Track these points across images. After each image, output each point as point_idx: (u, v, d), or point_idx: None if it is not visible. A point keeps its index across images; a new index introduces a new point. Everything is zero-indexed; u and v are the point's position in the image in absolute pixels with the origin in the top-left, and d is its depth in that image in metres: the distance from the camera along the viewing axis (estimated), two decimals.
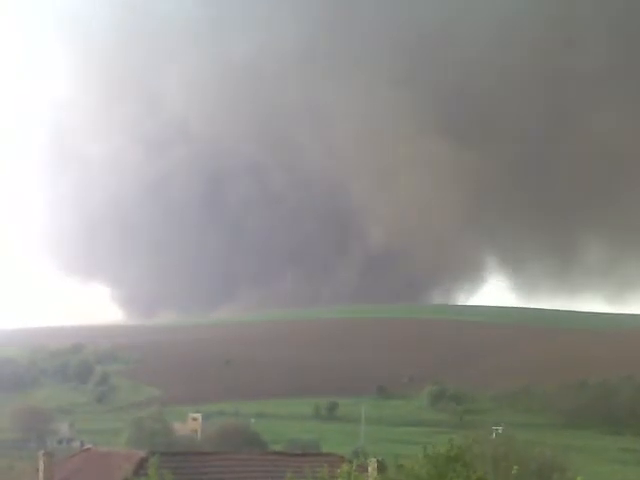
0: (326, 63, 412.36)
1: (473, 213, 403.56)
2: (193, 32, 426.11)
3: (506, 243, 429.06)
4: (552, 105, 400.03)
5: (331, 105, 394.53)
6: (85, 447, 69.21)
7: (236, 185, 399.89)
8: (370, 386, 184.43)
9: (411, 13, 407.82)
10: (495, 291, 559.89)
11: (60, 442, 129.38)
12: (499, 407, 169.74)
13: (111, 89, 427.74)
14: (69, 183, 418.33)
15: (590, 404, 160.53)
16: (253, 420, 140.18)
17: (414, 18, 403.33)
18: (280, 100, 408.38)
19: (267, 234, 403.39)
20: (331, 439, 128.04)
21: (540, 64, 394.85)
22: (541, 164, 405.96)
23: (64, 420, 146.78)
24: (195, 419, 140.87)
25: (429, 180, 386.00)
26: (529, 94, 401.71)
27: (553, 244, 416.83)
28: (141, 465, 44.40)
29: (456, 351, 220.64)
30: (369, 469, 43.60)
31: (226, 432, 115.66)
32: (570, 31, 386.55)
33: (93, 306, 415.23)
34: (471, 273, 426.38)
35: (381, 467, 44.28)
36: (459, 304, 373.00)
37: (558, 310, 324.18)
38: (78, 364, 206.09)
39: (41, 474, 48.45)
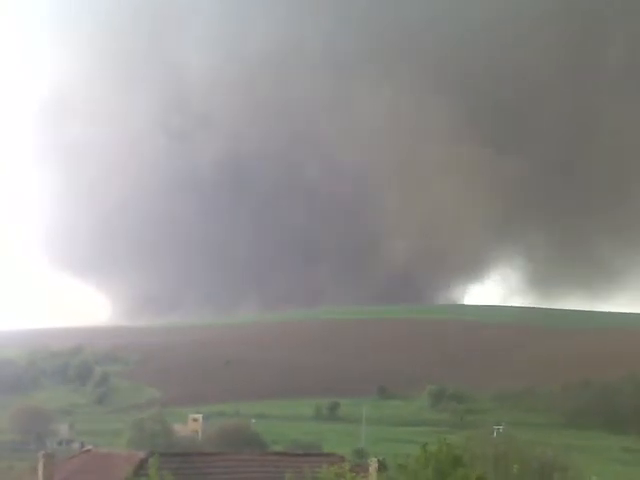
0: (359, 65, 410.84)
1: (497, 214, 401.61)
2: (218, 20, 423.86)
3: (516, 242, 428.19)
4: (584, 108, 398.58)
5: (363, 107, 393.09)
6: (85, 448, 68.92)
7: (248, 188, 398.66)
8: (371, 386, 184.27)
9: (444, 17, 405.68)
10: (497, 291, 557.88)
11: (60, 443, 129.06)
12: (500, 407, 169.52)
13: (130, 81, 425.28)
14: (73, 182, 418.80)
15: (592, 404, 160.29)
16: (254, 421, 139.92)
17: (447, 22, 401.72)
18: (311, 99, 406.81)
19: (277, 236, 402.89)
20: (332, 439, 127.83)
21: (572, 67, 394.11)
22: (573, 167, 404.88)
23: (64, 421, 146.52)
24: (196, 420, 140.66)
25: (461, 184, 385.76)
26: (561, 98, 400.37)
27: (567, 245, 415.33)
28: (141, 466, 44.22)
29: (457, 351, 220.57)
30: (370, 469, 43.57)
31: (227, 433, 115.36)
32: (604, 31, 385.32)
33: (93, 307, 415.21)
34: (474, 272, 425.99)
35: (382, 467, 44.22)
36: (460, 304, 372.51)
37: (560, 310, 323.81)
38: (78, 365, 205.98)
39: (41, 475, 48.31)
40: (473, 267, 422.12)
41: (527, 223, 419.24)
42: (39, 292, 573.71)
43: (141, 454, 47.42)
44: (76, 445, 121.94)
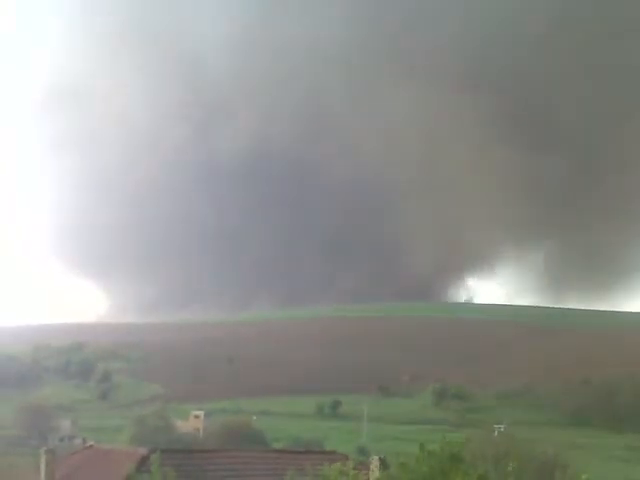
0: (382, 62, 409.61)
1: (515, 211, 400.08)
2: (240, 16, 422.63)
3: (529, 241, 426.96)
4: (614, 108, 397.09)
5: (387, 104, 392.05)
6: (87, 444, 69.06)
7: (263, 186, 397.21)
8: (373, 384, 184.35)
9: (475, 13, 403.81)
10: (503, 290, 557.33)
11: (62, 439, 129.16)
12: (502, 405, 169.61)
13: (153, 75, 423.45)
14: (82, 177, 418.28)
15: (593, 402, 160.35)
16: (255, 418, 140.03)
17: (478, 19, 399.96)
18: (333, 97, 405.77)
19: (291, 234, 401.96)
20: (334, 437, 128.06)
21: (606, 67, 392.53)
22: (601, 170, 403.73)
23: (66, 417, 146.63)
24: (197, 417, 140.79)
25: (478, 182, 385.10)
26: (591, 98, 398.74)
27: (581, 245, 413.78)
28: (143, 462, 44.37)
29: (459, 349, 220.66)
30: (371, 467, 43.68)
31: (228, 430, 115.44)
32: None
33: (96, 304, 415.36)
34: (482, 271, 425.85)
35: (383, 465, 44.33)
36: (461, 302, 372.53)
37: (561, 308, 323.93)
38: (80, 362, 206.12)
39: (43, 471, 48.49)
40: (483, 266, 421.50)
41: (544, 223, 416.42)
42: (42, 289, 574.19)
43: (143, 450, 47.59)
44: (78, 441, 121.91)
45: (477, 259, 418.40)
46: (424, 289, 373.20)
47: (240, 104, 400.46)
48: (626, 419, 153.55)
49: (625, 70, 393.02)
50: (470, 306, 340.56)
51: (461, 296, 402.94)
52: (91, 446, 59.73)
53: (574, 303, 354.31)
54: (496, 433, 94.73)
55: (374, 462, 44.32)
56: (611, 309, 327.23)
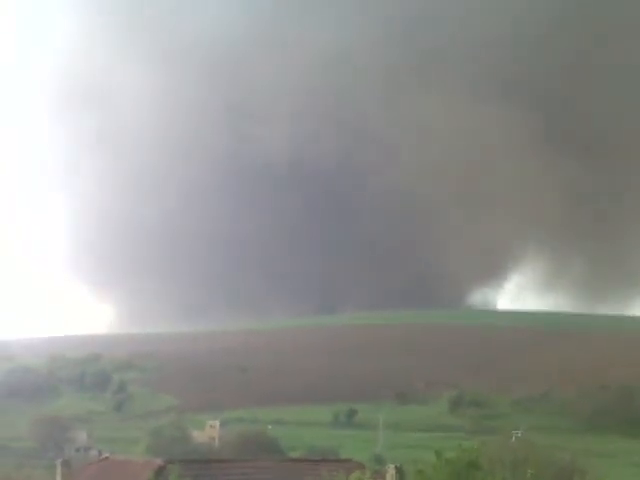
0: (422, 71, 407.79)
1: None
2: (275, 22, 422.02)
3: (543, 246, 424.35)
4: None
5: (427, 114, 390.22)
6: (103, 456, 68.97)
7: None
8: (389, 392, 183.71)
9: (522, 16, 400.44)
10: (515, 295, 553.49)
11: (78, 450, 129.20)
12: (519, 412, 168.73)
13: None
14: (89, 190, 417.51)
15: (611, 408, 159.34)
16: (270, 427, 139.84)
17: (525, 22, 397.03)
18: (372, 106, 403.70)
19: (309, 241, 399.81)
20: (349, 446, 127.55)
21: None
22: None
23: (82, 429, 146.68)
24: (213, 426, 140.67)
25: (524, 193, 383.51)
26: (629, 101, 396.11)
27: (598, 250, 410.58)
28: (160, 473, 44.27)
29: (475, 356, 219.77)
30: (387, 475, 43.46)
31: (244, 439, 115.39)
32: None
33: (109, 315, 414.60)
34: (501, 277, 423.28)
35: (399, 473, 44.08)
36: (479, 308, 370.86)
37: (577, 314, 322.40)
38: (95, 373, 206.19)
39: None
40: (503, 271, 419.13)
41: (573, 230, 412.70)
42: (57, 301, 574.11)
43: (159, 461, 47.47)
44: (94, 452, 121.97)
45: (501, 267, 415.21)
46: (442, 296, 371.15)
47: (276, 108, 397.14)
48: None
49: None
50: (487, 312, 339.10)
51: (480, 302, 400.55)
52: (107, 457, 59.66)
53: (593, 308, 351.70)
54: (513, 439, 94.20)
55: (390, 470, 44.15)
56: (630, 314, 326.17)
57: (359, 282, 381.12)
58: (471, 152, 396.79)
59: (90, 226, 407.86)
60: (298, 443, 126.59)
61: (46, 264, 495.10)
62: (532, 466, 54.74)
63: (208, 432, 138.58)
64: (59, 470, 49.11)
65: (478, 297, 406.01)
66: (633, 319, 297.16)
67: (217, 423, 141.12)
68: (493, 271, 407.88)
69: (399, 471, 44.19)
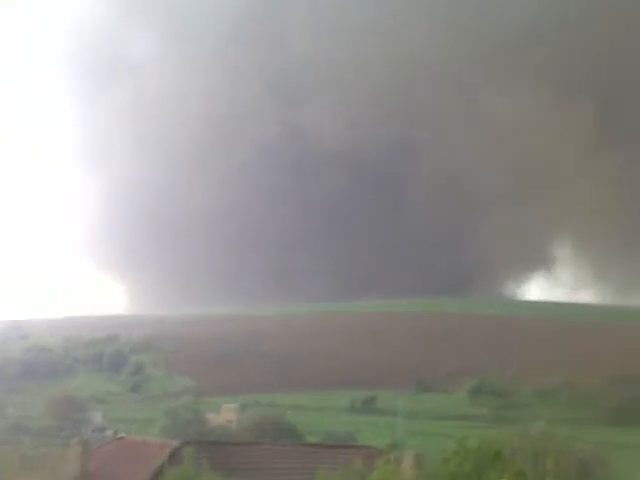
0: (483, 67, 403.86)
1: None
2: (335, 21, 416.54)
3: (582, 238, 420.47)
4: None
5: (487, 110, 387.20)
6: (118, 436, 68.58)
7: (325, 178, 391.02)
8: (409, 379, 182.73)
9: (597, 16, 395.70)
10: (541, 285, 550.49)
11: (94, 430, 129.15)
12: (540, 402, 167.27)
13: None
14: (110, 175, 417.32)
15: (635, 399, 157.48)
16: (289, 412, 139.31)
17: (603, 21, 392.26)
18: (433, 103, 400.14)
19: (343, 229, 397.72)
20: (367, 432, 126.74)
21: None
22: None
23: (98, 409, 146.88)
24: (230, 409, 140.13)
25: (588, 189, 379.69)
26: None
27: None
28: (175, 454, 43.67)
29: (497, 345, 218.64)
30: (405, 461, 42.68)
31: (261, 423, 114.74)
32: None
33: (127, 297, 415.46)
34: (531, 267, 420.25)
35: (419, 460, 43.30)
36: (505, 298, 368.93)
37: (602, 305, 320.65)
38: (112, 354, 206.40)
39: (78, 461, 48.07)
40: (534, 262, 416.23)
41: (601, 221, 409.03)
42: (74, 282, 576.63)
43: (175, 443, 46.80)
44: (109, 432, 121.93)
45: (533, 258, 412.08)
46: (470, 284, 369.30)
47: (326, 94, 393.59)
48: None
49: None
50: (512, 302, 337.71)
51: (507, 292, 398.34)
52: (122, 437, 59.21)
53: (618, 300, 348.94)
54: (534, 430, 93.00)
55: (408, 456, 43.46)
56: None
57: (399, 268, 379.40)
58: (523, 143, 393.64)
59: (109, 207, 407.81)
60: (316, 428, 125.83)
61: (63, 244, 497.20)
62: (552, 457, 53.92)
63: (225, 415, 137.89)
64: (77, 449, 48.82)
65: (510, 288, 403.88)
66: None
67: (234, 406, 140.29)
68: (532, 264, 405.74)
69: (418, 457, 43.53)
